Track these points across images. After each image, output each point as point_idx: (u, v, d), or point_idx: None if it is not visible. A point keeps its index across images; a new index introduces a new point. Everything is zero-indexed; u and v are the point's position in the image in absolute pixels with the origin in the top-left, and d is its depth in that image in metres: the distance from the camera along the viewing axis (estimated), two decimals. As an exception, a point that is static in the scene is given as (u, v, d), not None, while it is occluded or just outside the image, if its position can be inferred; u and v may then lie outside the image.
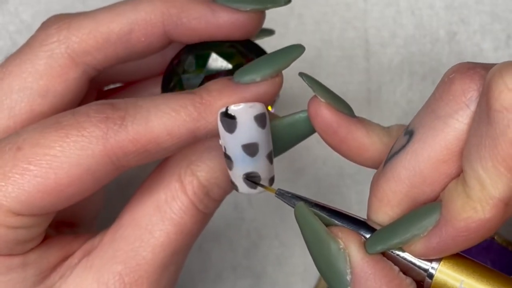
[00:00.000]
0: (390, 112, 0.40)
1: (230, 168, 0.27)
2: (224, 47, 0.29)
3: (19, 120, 0.29)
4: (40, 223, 0.27)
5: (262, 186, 0.27)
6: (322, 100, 0.27)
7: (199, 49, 0.29)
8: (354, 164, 0.39)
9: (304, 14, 0.40)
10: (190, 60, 0.30)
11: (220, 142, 0.26)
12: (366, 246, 0.25)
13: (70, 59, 0.28)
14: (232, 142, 0.26)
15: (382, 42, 0.40)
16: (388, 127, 0.28)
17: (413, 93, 0.40)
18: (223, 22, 0.28)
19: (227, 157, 0.27)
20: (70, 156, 0.26)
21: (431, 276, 0.26)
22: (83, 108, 0.27)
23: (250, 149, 0.26)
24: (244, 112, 0.26)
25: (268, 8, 0.29)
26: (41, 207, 0.26)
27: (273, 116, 0.28)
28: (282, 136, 0.28)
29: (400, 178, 0.25)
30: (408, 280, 0.25)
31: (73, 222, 0.33)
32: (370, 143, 0.27)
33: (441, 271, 0.25)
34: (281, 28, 0.39)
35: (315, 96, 0.27)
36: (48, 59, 0.28)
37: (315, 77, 0.40)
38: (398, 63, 0.40)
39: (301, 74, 0.27)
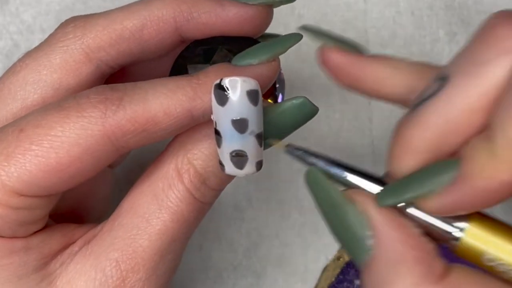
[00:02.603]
0: (390, 112, 0.40)
1: (219, 146, 0.27)
2: (231, 42, 0.30)
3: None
4: (43, 205, 0.28)
5: (269, 143, 0.27)
6: (329, 46, 0.27)
7: (207, 43, 0.30)
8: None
9: (305, 14, 0.40)
10: (198, 53, 0.30)
11: (212, 117, 0.27)
12: (377, 199, 0.24)
13: (84, 54, 0.29)
14: (223, 116, 0.26)
15: (382, 42, 0.40)
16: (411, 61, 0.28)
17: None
18: (233, 15, 0.29)
19: (217, 133, 0.27)
20: (70, 136, 0.26)
21: (457, 239, 0.25)
22: (84, 91, 0.27)
23: (240, 125, 0.26)
24: (237, 85, 0.26)
25: (276, 4, 0.29)
26: (43, 187, 0.27)
27: (266, 104, 0.28)
28: (275, 123, 0.28)
29: (429, 124, 0.24)
30: (430, 243, 0.25)
31: (79, 220, 0.33)
32: (386, 76, 0.27)
33: (470, 233, 0.24)
34: (282, 28, 0.39)
35: (322, 45, 0.28)
36: (63, 54, 0.29)
37: (315, 77, 0.40)
38: (398, 63, 0.40)
39: (302, 28, 0.28)
